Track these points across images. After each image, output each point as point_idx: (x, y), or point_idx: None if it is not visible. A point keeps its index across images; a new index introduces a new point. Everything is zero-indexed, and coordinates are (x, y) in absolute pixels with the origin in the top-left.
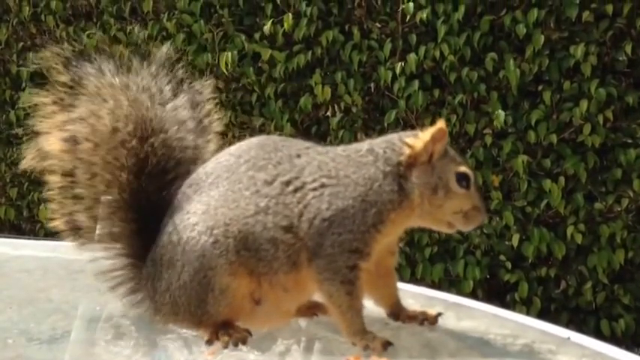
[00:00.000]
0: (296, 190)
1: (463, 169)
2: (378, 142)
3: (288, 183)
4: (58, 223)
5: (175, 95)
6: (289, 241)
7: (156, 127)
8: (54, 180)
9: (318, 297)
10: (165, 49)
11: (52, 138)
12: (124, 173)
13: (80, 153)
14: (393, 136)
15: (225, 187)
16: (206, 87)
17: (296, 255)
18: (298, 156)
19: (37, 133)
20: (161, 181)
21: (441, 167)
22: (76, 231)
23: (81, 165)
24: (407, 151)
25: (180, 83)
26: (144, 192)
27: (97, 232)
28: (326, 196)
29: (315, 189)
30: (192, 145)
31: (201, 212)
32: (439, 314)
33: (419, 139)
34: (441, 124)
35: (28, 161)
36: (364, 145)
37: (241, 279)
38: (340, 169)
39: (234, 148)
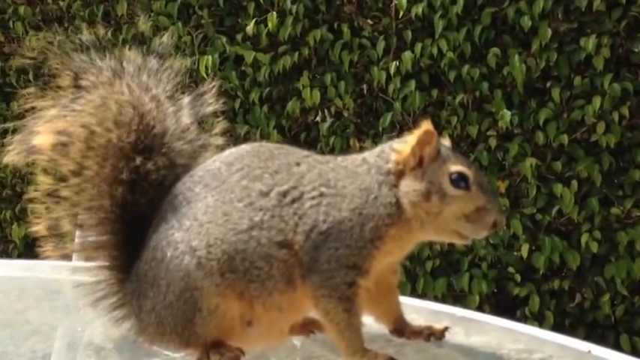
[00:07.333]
0: (293, 201)
1: (457, 167)
2: (373, 151)
3: (285, 194)
4: (40, 228)
5: (177, 94)
6: (284, 257)
7: (158, 134)
8: (43, 181)
9: (314, 314)
10: (166, 39)
11: (44, 135)
12: (120, 187)
13: (73, 153)
14: (386, 144)
15: (214, 198)
16: (209, 91)
17: (290, 272)
18: (297, 164)
19: (29, 132)
20: (156, 193)
21: (433, 170)
22: (58, 238)
23: (72, 166)
24: (394, 157)
25: (178, 77)
26: (136, 205)
27: (77, 240)
28: (323, 207)
29: (313, 198)
30: (190, 155)
31: (185, 228)
32: (446, 328)
33: (406, 144)
34: (427, 125)
35: (12, 156)
36: (361, 155)
37: (231, 301)
38: (339, 179)
39: (225, 155)
